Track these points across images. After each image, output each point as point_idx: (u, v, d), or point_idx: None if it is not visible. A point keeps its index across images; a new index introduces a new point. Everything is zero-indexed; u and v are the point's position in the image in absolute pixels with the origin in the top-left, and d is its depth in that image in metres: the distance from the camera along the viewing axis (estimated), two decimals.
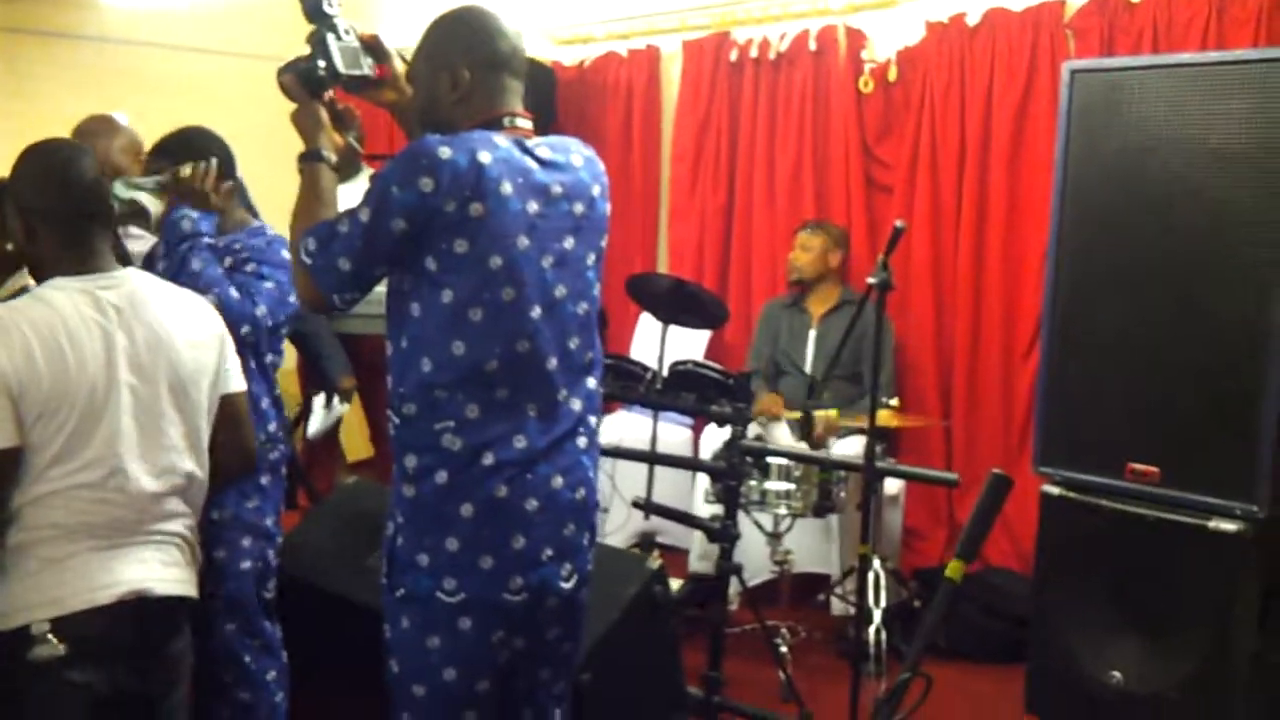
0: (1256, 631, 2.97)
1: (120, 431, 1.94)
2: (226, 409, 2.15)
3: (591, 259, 2.00)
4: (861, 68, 4.43)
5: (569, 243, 1.93)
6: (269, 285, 2.56)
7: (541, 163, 1.91)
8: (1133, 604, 3.09)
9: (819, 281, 4.26)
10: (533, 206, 1.87)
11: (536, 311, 1.87)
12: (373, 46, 2.05)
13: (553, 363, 1.90)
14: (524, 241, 1.85)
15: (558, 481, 1.92)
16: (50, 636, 1.85)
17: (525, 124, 1.95)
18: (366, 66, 2.02)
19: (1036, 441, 3.31)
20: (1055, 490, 3.21)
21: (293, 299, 2.58)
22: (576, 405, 1.97)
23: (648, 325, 4.84)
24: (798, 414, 3.60)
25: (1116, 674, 3.08)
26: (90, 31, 5.68)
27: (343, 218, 1.85)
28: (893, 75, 4.35)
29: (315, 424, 4.25)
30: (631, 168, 5.24)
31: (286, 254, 2.61)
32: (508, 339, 1.85)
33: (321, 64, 1.98)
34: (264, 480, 2.59)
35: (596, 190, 2.01)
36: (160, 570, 1.99)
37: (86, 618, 1.88)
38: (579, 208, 1.96)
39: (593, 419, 2.01)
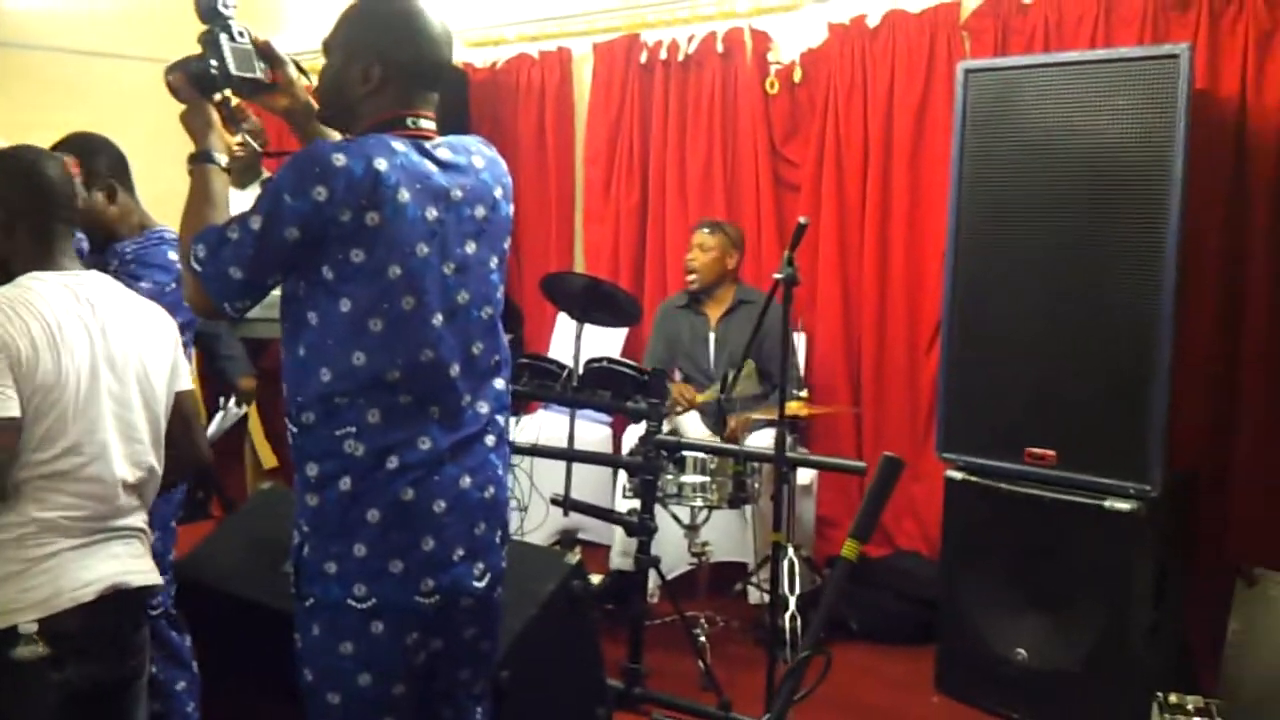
0: (1152, 607, 3.12)
1: (102, 418, 1.97)
2: (180, 406, 2.17)
3: (494, 262, 1.96)
4: (767, 69, 4.52)
5: (471, 247, 1.89)
6: (144, 285, 2.50)
7: (442, 165, 1.86)
8: (1034, 583, 3.21)
9: (716, 284, 4.29)
10: (432, 213, 1.82)
11: (438, 319, 1.84)
12: (266, 52, 2.00)
13: (455, 369, 1.87)
14: (424, 249, 1.81)
15: (465, 481, 1.90)
16: (36, 637, 1.87)
17: (428, 125, 1.90)
18: (259, 70, 1.98)
19: (939, 429, 3.43)
20: (958, 475, 3.33)
21: (174, 301, 2.51)
22: (483, 408, 1.95)
23: (565, 324, 4.87)
24: (712, 394, 3.65)
25: (1021, 651, 3.21)
26: None
27: (233, 224, 1.79)
28: (798, 76, 4.45)
29: (213, 426, 4.20)
30: (546, 169, 5.26)
31: (171, 254, 2.60)
32: (410, 349, 1.81)
33: (214, 64, 1.93)
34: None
35: (499, 192, 1.97)
36: (131, 563, 2.04)
37: (70, 615, 1.91)
38: (480, 211, 1.92)
39: (501, 418, 1.99)
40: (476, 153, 1.96)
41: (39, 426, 1.90)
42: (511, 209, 2.02)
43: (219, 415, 4.22)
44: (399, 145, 1.81)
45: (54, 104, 4.53)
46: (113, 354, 2.01)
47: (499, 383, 1.99)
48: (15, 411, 1.86)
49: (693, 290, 4.30)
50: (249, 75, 1.96)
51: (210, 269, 1.79)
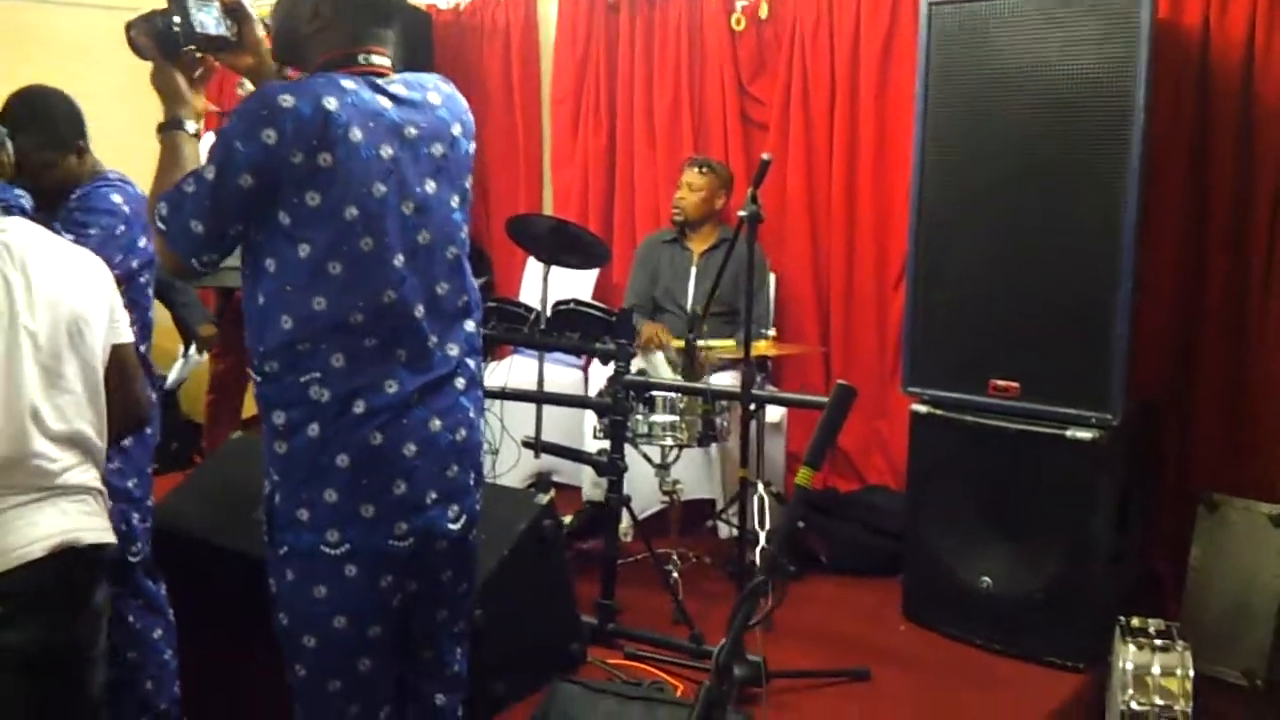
0: (1115, 534, 3.18)
1: (24, 374, 1.92)
2: (116, 359, 2.12)
3: (455, 201, 1.94)
4: (733, 5, 4.47)
5: (430, 186, 1.88)
6: (93, 233, 2.47)
7: (396, 102, 1.84)
8: (999, 513, 3.27)
9: (702, 222, 4.32)
10: (388, 151, 1.80)
11: (400, 260, 1.83)
12: (233, 8, 1.98)
13: (420, 310, 1.86)
14: (380, 188, 1.79)
15: (436, 424, 1.89)
16: None
17: (381, 61, 1.87)
18: (225, 28, 1.95)
19: (905, 363, 3.46)
20: (923, 409, 3.37)
21: (127, 243, 2.54)
22: (453, 350, 1.94)
23: (535, 268, 4.85)
24: (681, 342, 3.67)
25: (986, 579, 3.27)
26: None
27: (189, 178, 1.78)
28: (764, 13, 4.40)
29: (173, 374, 4.19)
30: (513, 112, 5.21)
31: (115, 197, 2.57)
32: (371, 291, 1.80)
33: (176, 21, 1.90)
34: (125, 442, 2.49)
35: (457, 129, 1.95)
36: (83, 520, 2.00)
37: (18, 574, 1.88)
38: (439, 149, 1.90)
39: (471, 362, 1.98)
40: (433, 89, 1.93)
41: None
42: (472, 147, 2.00)
43: (178, 363, 4.21)
44: (349, 84, 1.79)
45: (11, 55, 4.45)
46: (35, 302, 1.96)
47: (469, 325, 1.98)
48: None
49: (678, 222, 4.31)
50: (214, 33, 1.93)
51: (173, 226, 1.78)
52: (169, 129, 1.92)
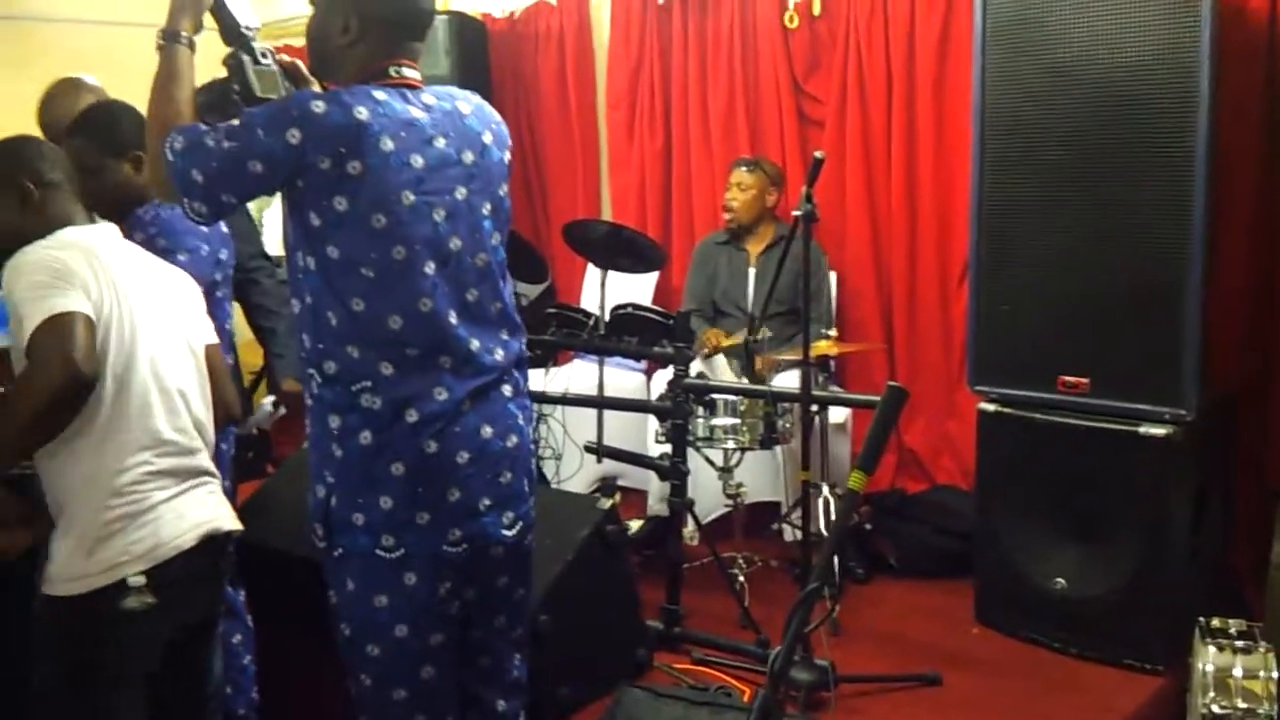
0: (1191, 532, 3.09)
1: (162, 362, 2.04)
2: (209, 359, 2.23)
3: (487, 208, 1.96)
4: (786, 3, 4.44)
5: (461, 193, 1.90)
6: (181, 257, 2.52)
7: (427, 110, 1.88)
8: (1072, 512, 3.20)
9: (756, 222, 4.29)
10: (418, 160, 1.83)
11: (430, 267, 1.85)
12: (292, 72, 2.04)
13: (454, 316, 1.88)
14: (410, 197, 1.81)
15: (487, 431, 1.91)
16: (145, 588, 1.94)
17: (412, 74, 1.91)
18: (283, 91, 2.00)
19: (970, 361, 3.40)
20: (991, 407, 3.31)
21: (212, 261, 2.60)
22: (498, 355, 1.95)
23: (595, 273, 4.87)
24: (739, 338, 3.65)
25: (1060, 580, 3.20)
26: (13, 10, 5.57)
27: (213, 132, 1.80)
28: (817, 10, 4.36)
29: (251, 420, 4.25)
30: (569, 117, 5.22)
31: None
32: (406, 299, 1.83)
33: (236, 88, 1.96)
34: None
35: (488, 138, 1.97)
36: (219, 508, 2.13)
37: (174, 563, 1.98)
38: (469, 156, 1.92)
39: (517, 371, 2.00)
40: (463, 99, 1.97)
41: (121, 363, 1.96)
42: (507, 156, 2.02)
43: (259, 413, 4.23)
44: (380, 94, 1.83)
45: (42, 75, 4.57)
46: (154, 300, 2.08)
47: (509, 332, 1.99)
48: (90, 312, 1.90)
49: (731, 227, 4.29)
50: (273, 97, 1.97)
51: (180, 162, 1.80)
52: (169, 40, 1.94)
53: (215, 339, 2.27)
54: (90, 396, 1.89)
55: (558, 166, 5.30)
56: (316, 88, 2.04)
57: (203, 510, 2.07)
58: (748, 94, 4.62)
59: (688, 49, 4.75)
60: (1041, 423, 3.21)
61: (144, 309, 2.04)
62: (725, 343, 3.92)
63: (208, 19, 1.99)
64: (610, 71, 5.06)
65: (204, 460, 2.12)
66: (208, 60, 2.00)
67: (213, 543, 2.08)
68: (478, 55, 5.19)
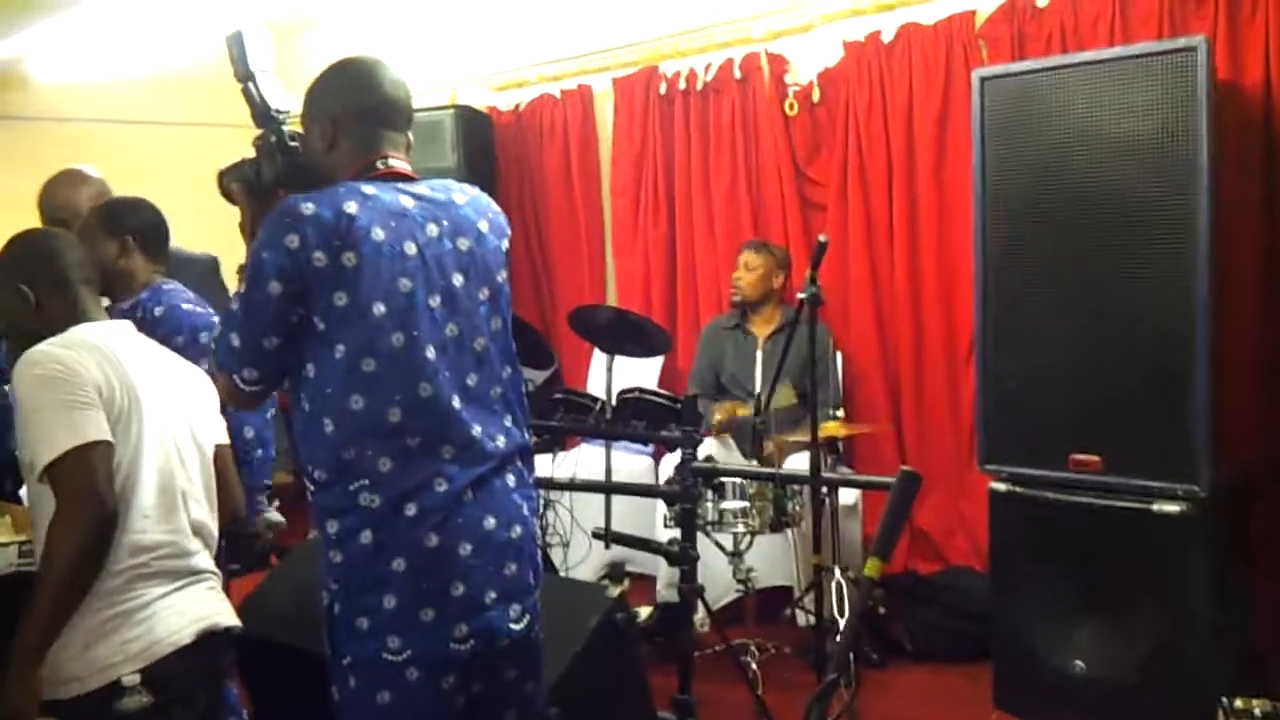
0: (1212, 610, 3.03)
1: (168, 458, 2.04)
2: (218, 458, 2.23)
3: (484, 294, 1.97)
4: (786, 91, 4.52)
5: (457, 279, 1.91)
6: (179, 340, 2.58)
7: (419, 200, 1.91)
8: (1088, 592, 3.14)
9: (762, 303, 4.31)
10: (411, 247, 1.85)
11: (431, 352, 1.85)
12: None
13: (456, 401, 1.88)
14: (406, 284, 1.84)
15: (490, 522, 1.89)
16: (140, 687, 1.91)
17: (401, 165, 1.94)
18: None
19: (980, 440, 3.37)
20: (1002, 487, 3.27)
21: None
22: (500, 442, 1.94)
23: (600, 358, 4.88)
24: (749, 409, 3.63)
25: (1079, 662, 3.13)
26: (26, 111, 5.69)
27: (234, 296, 1.86)
28: (816, 96, 4.45)
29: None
30: (574, 205, 5.30)
31: (185, 306, 2.69)
32: (406, 384, 1.83)
33: (264, 168, 2.00)
34: None
35: (484, 226, 1.99)
36: (217, 604, 2.10)
37: (170, 661, 1.96)
38: (464, 244, 1.94)
39: (520, 460, 1.98)
40: (458, 190, 2.00)
41: (124, 462, 1.96)
42: (504, 244, 2.04)
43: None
44: (369, 188, 1.86)
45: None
46: (164, 397, 2.09)
47: (512, 420, 1.98)
48: (109, 436, 1.92)
49: (737, 303, 4.31)
50: (300, 177, 2.00)
51: (220, 344, 1.86)
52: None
53: (226, 439, 2.27)
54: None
55: (563, 253, 5.36)
56: None
57: (201, 606, 2.04)
58: (750, 179, 4.69)
59: (690, 136, 4.83)
60: (1054, 501, 3.18)
61: (153, 408, 2.03)
62: (741, 412, 3.90)
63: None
64: (614, 160, 5.14)
65: (202, 560, 2.09)
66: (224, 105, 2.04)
67: (211, 639, 2.04)
68: (484, 148, 5.29)
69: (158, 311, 2.63)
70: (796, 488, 3.51)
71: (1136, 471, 3.05)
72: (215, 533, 2.16)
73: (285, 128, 2.02)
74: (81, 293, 2.13)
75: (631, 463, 4.51)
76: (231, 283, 3.20)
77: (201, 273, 3.07)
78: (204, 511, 2.12)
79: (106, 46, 5.27)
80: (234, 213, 2.04)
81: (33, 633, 1.87)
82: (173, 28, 5.07)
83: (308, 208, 1.79)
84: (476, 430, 1.90)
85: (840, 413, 3.86)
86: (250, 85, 2.00)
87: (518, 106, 5.47)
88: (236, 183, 2.01)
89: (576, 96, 5.25)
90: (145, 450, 2.00)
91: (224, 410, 2.57)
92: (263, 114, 2.00)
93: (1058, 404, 3.19)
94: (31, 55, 5.26)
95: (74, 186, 3.06)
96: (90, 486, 1.86)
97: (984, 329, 3.33)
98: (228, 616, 2.11)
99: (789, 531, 3.66)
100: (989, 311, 3.32)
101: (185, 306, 2.67)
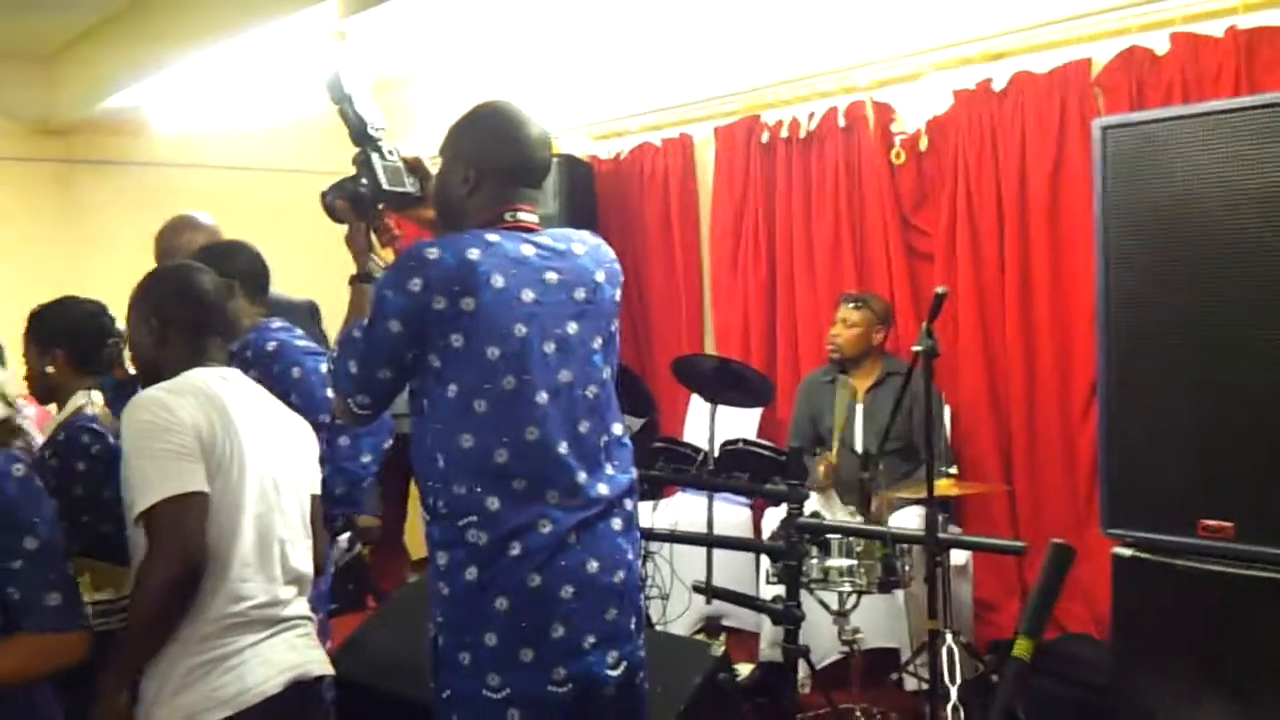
0: None
1: (269, 506, 2.04)
2: (313, 510, 2.22)
3: (598, 343, 2.01)
4: (892, 140, 4.46)
5: (572, 328, 1.96)
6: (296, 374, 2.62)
7: (540, 249, 1.95)
8: (1217, 665, 2.96)
9: (861, 358, 4.21)
10: (529, 295, 1.91)
11: (543, 397, 1.90)
12: (415, 167, 2.13)
13: (564, 447, 1.91)
14: (522, 329, 1.89)
15: (593, 566, 1.91)
16: None
17: (528, 218, 2.00)
18: (409, 184, 2.10)
19: (1103, 503, 3.22)
20: (1127, 552, 3.12)
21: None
22: (603, 489, 1.96)
23: (699, 407, 4.83)
24: (831, 456, 3.52)
25: None
26: (140, 157, 5.91)
27: (357, 324, 1.94)
28: (924, 145, 4.37)
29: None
30: (672, 253, 5.29)
31: (299, 343, 2.72)
32: (515, 428, 1.87)
33: (364, 183, 2.06)
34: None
35: (601, 276, 2.04)
36: (309, 652, 2.08)
37: (258, 710, 1.94)
38: (581, 293, 1.99)
39: (628, 502, 2.01)
40: (578, 240, 2.05)
41: (222, 509, 1.96)
42: (618, 293, 2.08)
43: (340, 548, 4.22)
44: (493, 236, 1.92)
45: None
46: (270, 446, 2.09)
47: (616, 465, 2.01)
48: (205, 487, 1.93)
49: (835, 359, 4.23)
50: (399, 190, 2.08)
51: (338, 366, 1.94)
52: (359, 281, 2.09)
53: (319, 490, 2.26)
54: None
55: (660, 300, 5.34)
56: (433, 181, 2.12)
57: (292, 655, 2.03)
58: (853, 228, 4.62)
59: (791, 184, 4.79)
60: (1182, 569, 3.01)
61: (256, 456, 2.03)
62: (831, 458, 3.81)
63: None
64: (714, 207, 5.13)
65: (297, 608, 2.08)
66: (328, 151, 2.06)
67: (301, 688, 2.02)
68: (585, 195, 5.32)
69: (270, 347, 2.65)
70: (905, 546, 3.40)
71: (1272, 539, 2.88)
72: (311, 578, 2.15)
73: (382, 143, 2.07)
74: (207, 335, 2.14)
75: (729, 513, 4.43)
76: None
77: (302, 318, 3.10)
78: (302, 558, 2.11)
79: (216, 96, 5.43)
80: (335, 259, 2.08)
81: (110, 675, 1.90)
82: (278, 80, 5.21)
83: (432, 253, 1.86)
84: (582, 476, 1.93)
85: (954, 469, 3.73)
86: (346, 106, 2.06)
87: (618, 155, 5.50)
88: (340, 199, 2.08)
89: (677, 145, 5.26)
90: (245, 498, 1.99)
91: (344, 432, 2.60)
92: (360, 132, 2.06)
93: (1186, 466, 3.03)
94: (149, 104, 5.44)
95: (187, 232, 3.13)
96: (179, 537, 1.87)
97: (1107, 386, 3.19)
98: (319, 665, 2.09)
99: (897, 592, 3.54)
100: (1112, 367, 3.18)
101: (299, 343, 2.71)
